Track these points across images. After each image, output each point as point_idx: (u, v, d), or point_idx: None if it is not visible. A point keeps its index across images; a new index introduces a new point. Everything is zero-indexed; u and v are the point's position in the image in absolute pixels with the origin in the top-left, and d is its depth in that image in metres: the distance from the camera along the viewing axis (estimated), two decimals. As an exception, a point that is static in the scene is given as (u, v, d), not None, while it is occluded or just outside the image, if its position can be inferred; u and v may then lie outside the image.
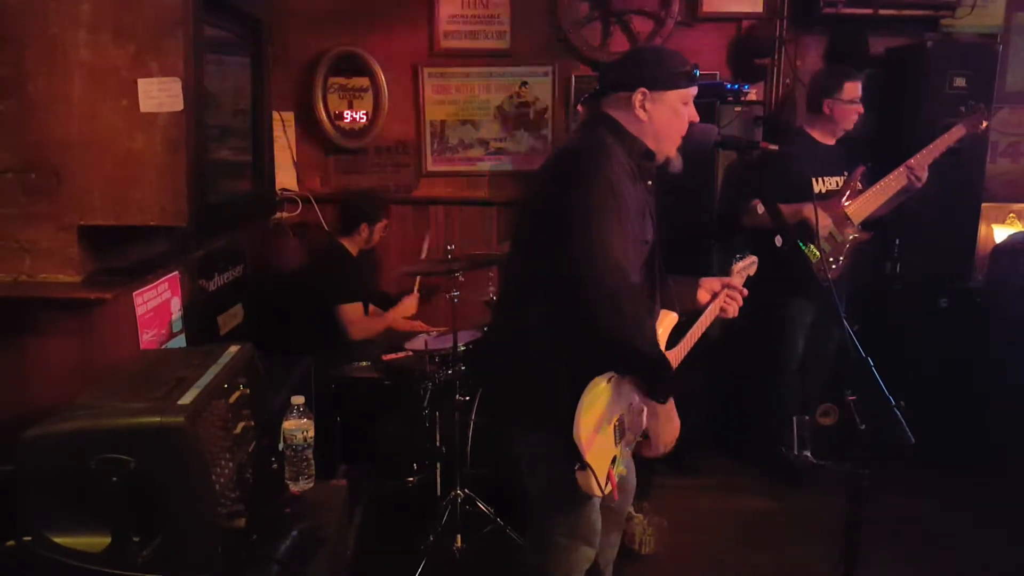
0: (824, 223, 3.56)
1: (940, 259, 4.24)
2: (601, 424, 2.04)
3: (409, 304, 3.94)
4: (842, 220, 3.61)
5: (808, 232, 3.33)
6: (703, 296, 2.44)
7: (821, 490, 3.72)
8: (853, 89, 3.67)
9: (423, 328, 4.04)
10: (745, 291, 2.48)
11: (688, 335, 2.36)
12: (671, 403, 2.15)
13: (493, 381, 2.31)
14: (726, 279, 2.46)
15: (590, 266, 1.92)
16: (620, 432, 2.13)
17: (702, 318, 2.40)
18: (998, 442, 3.83)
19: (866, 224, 3.69)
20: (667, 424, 2.19)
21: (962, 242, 4.31)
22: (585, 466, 1.99)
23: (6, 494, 1.56)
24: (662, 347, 2.23)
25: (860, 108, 3.71)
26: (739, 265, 2.53)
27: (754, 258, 2.59)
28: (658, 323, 2.27)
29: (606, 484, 2.07)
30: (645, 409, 2.19)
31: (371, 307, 4.13)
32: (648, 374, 2.06)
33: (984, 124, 3.70)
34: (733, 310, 2.43)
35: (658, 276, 2.26)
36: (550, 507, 2.23)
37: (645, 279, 2.17)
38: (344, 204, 4.13)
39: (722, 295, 2.42)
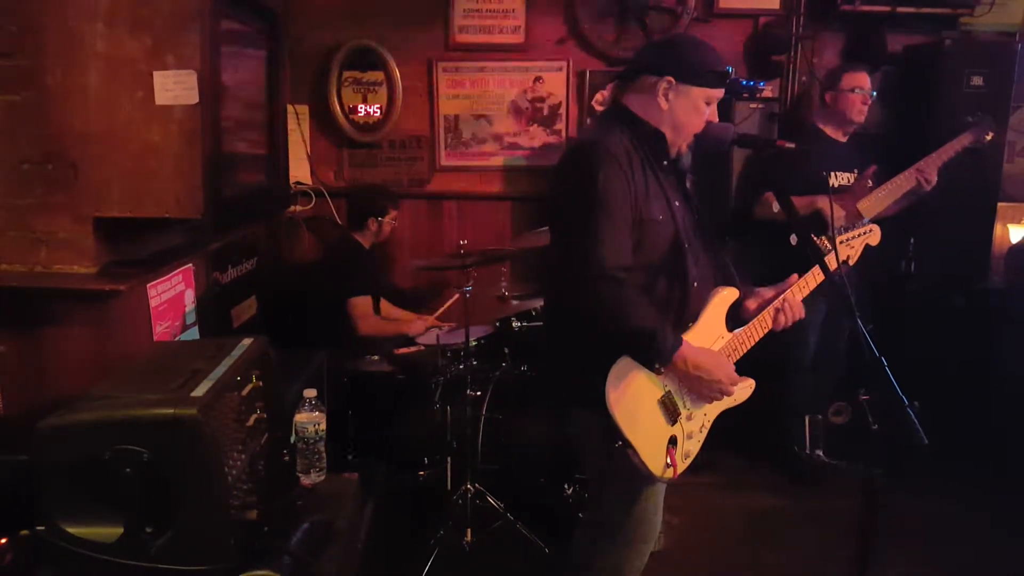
0: (838, 214, 3.54)
1: (955, 259, 4.20)
2: (638, 400, 2.02)
3: (418, 325, 3.92)
4: (853, 217, 3.58)
5: (821, 225, 3.31)
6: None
7: (833, 489, 3.71)
8: (851, 79, 3.66)
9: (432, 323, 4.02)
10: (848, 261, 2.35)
11: (770, 307, 2.25)
12: (696, 357, 2.04)
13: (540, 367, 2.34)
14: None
15: (575, 257, 2.00)
16: (670, 411, 2.09)
17: (789, 289, 2.28)
18: (1013, 443, 3.80)
19: (874, 222, 3.66)
20: (705, 376, 2.06)
21: (978, 242, 4.28)
22: (627, 444, 1.99)
23: (21, 483, 1.57)
24: (721, 323, 2.20)
25: (865, 97, 3.68)
26: (846, 235, 2.38)
27: (872, 227, 2.44)
28: (710, 299, 2.19)
29: (665, 468, 2.06)
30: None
31: (383, 302, 4.14)
32: (635, 348, 2.00)
33: (990, 135, 3.71)
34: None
35: (699, 252, 2.20)
36: (606, 490, 2.22)
37: (669, 256, 2.13)
38: (350, 201, 4.14)
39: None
